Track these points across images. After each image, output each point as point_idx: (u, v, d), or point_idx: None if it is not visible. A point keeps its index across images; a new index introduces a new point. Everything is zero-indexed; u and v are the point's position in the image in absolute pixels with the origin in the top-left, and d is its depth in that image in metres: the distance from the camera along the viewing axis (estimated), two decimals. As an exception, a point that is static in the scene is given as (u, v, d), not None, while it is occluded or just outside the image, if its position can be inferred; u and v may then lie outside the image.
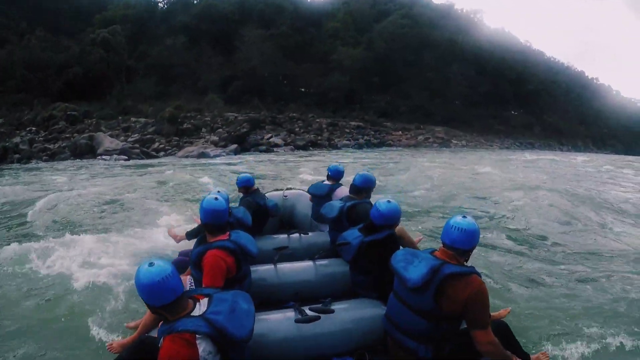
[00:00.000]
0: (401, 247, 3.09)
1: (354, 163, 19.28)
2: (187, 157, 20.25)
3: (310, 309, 2.79)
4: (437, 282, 2.27)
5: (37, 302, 4.14)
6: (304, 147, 28.57)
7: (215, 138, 26.84)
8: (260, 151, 24.24)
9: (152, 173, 14.50)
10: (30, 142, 25.89)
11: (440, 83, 58.55)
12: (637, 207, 10.73)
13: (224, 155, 20.89)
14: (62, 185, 11.85)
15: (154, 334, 2.53)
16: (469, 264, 2.48)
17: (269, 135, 29.05)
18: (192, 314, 2.04)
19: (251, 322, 2.14)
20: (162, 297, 1.96)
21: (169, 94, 41.12)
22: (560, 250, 6.38)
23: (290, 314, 2.80)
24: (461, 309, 2.28)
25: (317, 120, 41.54)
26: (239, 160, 18.95)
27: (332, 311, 2.78)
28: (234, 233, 3.08)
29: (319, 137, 33.60)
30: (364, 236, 3.15)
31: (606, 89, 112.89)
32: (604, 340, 3.66)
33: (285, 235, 4.45)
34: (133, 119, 31.51)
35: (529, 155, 33.48)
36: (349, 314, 2.88)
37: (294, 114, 41.34)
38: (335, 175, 4.90)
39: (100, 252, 5.29)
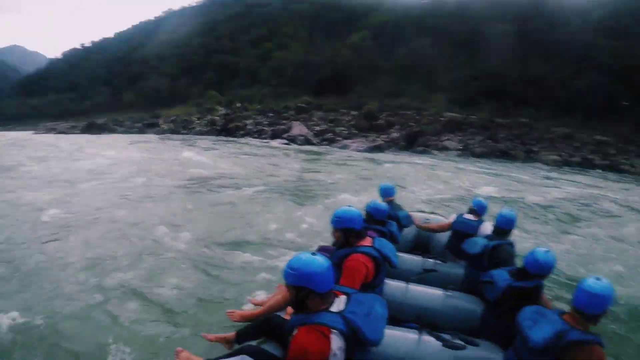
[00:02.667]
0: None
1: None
2: (334, 147, 23.19)
3: (453, 336, 2.96)
4: (559, 348, 2.30)
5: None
6: (482, 155, 26.10)
7: (396, 135, 28.67)
8: (417, 152, 24.26)
9: (276, 156, 17.61)
10: (256, 123, 34.19)
11: None
12: None
13: (360, 151, 22.66)
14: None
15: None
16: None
17: (447, 137, 28.33)
18: (330, 309, 2.14)
19: (383, 327, 2.23)
20: (324, 284, 2.10)
21: (402, 92, 44.50)
22: None
23: (413, 335, 2.95)
24: None
25: (553, 129, 36.80)
26: (363, 158, 19.82)
27: (478, 344, 2.92)
28: (377, 240, 3.24)
29: (517, 147, 30.01)
30: (513, 280, 3.15)
31: None
32: None
33: (421, 258, 4.64)
34: (344, 112, 36.52)
35: None
36: (475, 354, 2.91)
37: (524, 120, 38.04)
38: (480, 211, 4.92)
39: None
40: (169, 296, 4.28)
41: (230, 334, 2.98)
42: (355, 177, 13.29)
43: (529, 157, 28.87)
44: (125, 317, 3.93)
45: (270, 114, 37.60)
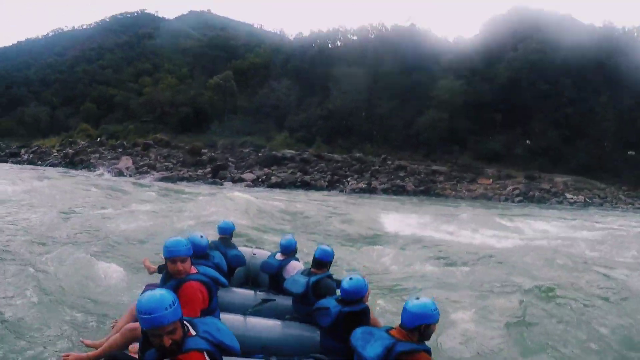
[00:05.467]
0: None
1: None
2: (133, 178, 31.46)
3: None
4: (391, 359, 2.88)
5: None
6: (278, 185, 33.76)
7: (208, 169, 37.34)
8: (208, 183, 32.14)
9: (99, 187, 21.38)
10: (99, 157, 41.76)
11: (580, 119, 52.49)
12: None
13: (154, 181, 30.65)
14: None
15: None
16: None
17: (250, 170, 36.65)
18: (190, 333, 2.53)
19: (235, 338, 2.73)
20: (179, 313, 2.41)
21: (254, 131, 53.39)
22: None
23: None
24: None
25: (389, 162, 45.50)
26: (142, 186, 26.22)
27: None
28: (200, 268, 3.71)
29: (324, 177, 38.38)
30: (342, 306, 3.80)
31: None
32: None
33: (252, 292, 5.15)
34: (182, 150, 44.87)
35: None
36: None
37: (358, 154, 47.12)
38: (286, 250, 5.46)
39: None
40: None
41: None
42: (124, 202, 16.51)
43: (334, 186, 37.09)
44: None
45: (120, 149, 45.14)
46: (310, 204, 22.49)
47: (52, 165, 40.52)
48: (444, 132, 51.29)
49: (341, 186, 37.19)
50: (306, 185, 35.96)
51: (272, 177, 36.29)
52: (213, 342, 2.53)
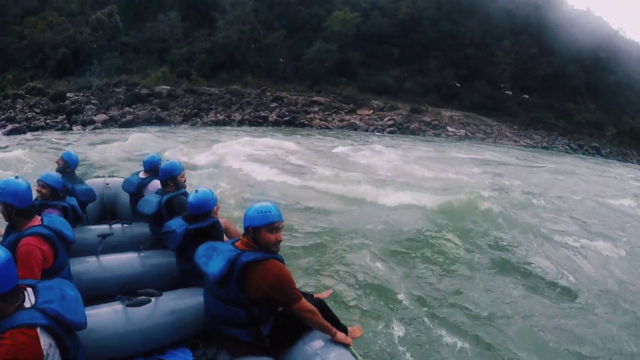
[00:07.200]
0: (226, 238, 3.94)
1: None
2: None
3: (157, 294, 3.34)
4: (237, 272, 2.88)
5: None
6: (131, 124, 36.47)
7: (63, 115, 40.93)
8: (59, 129, 35.93)
9: None
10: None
11: (479, 61, 57.28)
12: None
13: (6, 135, 33.61)
14: None
15: None
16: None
17: (102, 112, 39.57)
18: (23, 305, 2.23)
19: (83, 308, 2.49)
20: (7, 281, 2.14)
21: (134, 68, 55.05)
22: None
23: (118, 306, 3.22)
24: (267, 294, 2.91)
25: (268, 94, 48.39)
26: None
27: (161, 294, 3.37)
28: (46, 217, 3.45)
29: (182, 112, 41.47)
30: (188, 224, 3.84)
31: None
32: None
33: (107, 226, 5.08)
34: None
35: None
36: (178, 302, 3.43)
37: (235, 87, 49.81)
38: (150, 167, 5.46)
39: None
40: None
41: None
42: None
43: (188, 120, 40.31)
44: None
45: (-14, 100, 47.85)
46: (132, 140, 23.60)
47: None
48: (332, 64, 54.99)
49: (197, 120, 40.46)
50: (160, 122, 38.69)
51: (128, 116, 39.40)
52: (51, 315, 2.22)
